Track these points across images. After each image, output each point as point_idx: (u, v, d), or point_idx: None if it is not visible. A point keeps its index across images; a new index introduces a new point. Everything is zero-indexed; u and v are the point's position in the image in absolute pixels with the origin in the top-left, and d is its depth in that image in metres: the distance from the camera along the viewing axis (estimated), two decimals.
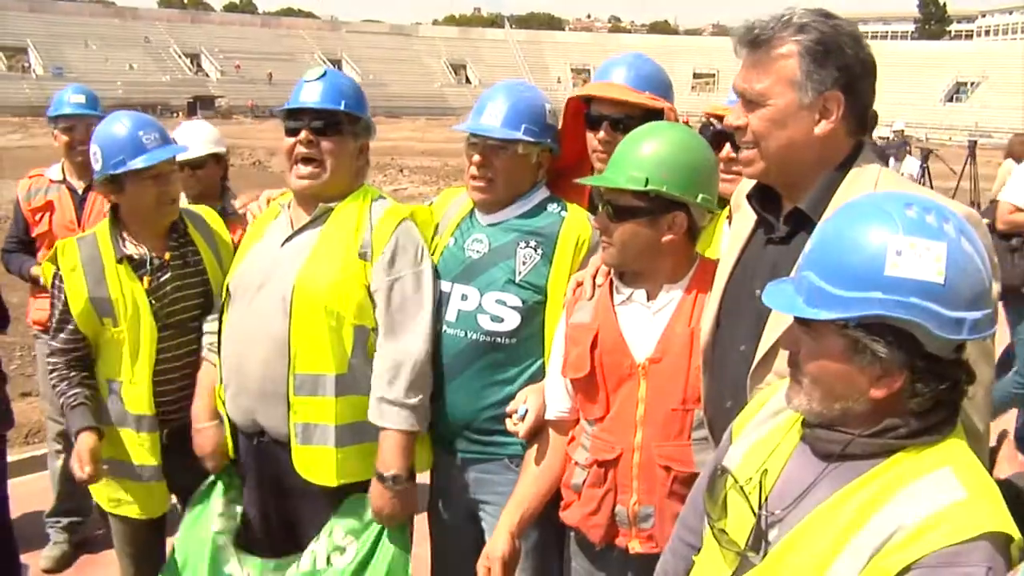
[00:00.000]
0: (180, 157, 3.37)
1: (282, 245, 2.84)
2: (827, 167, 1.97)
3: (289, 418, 2.75)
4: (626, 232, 2.31)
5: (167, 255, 3.12)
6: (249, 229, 3.05)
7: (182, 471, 3.09)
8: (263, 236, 2.92)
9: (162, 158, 3.02)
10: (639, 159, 2.28)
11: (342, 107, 2.78)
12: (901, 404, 1.45)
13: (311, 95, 2.79)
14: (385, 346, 2.72)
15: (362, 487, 2.78)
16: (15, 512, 4.68)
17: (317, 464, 2.76)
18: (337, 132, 2.78)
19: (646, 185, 2.25)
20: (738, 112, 1.99)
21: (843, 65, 1.92)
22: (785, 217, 2.02)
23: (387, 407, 2.68)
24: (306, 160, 2.77)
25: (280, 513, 2.94)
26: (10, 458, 5.32)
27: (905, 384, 1.42)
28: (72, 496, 4.56)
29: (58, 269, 3.06)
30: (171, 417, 3.11)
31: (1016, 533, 1.35)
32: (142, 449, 3.08)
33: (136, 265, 3.07)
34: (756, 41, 1.94)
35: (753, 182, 2.13)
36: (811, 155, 1.96)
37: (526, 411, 2.60)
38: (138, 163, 2.98)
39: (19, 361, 7.58)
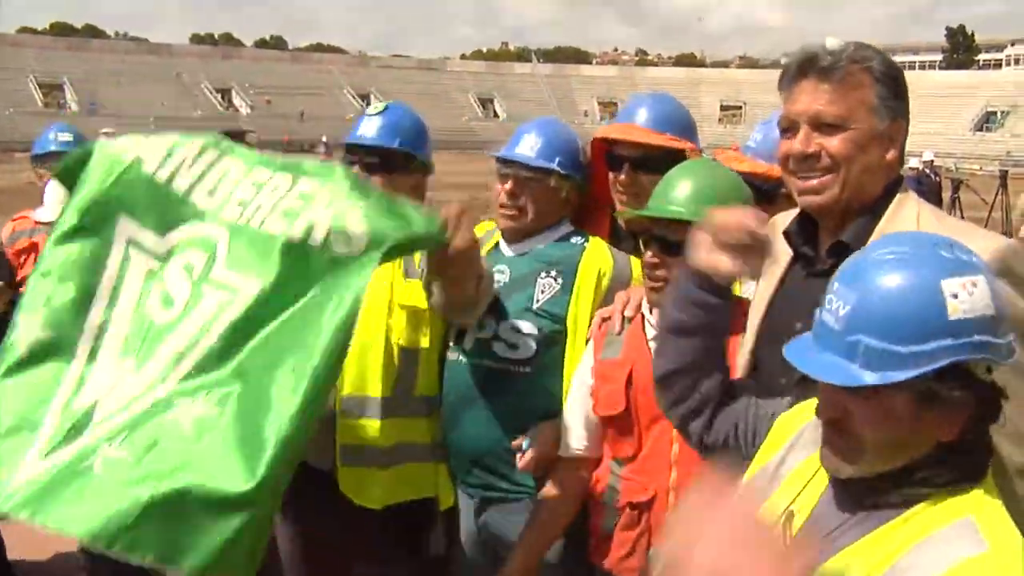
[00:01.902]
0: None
1: None
2: (876, 197, 1.96)
3: (335, 439, 2.73)
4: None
5: None
6: None
7: None
8: None
9: None
10: (696, 192, 2.25)
11: (397, 145, 2.80)
12: (960, 441, 1.41)
13: (368, 130, 2.83)
14: None
15: (409, 509, 2.76)
16: (48, 551, 4.73)
17: (362, 485, 2.74)
18: (390, 169, 2.80)
19: None
20: (807, 138, 1.93)
21: (904, 95, 1.94)
22: (828, 250, 2.00)
23: None
24: None
25: (320, 547, 2.92)
26: None
27: (968, 418, 1.39)
28: None
29: None
30: None
31: None
32: None
33: None
34: (830, 67, 1.90)
35: (787, 219, 2.11)
36: (880, 182, 1.95)
37: (529, 444, 2.58)
38: None
39: None
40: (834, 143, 1.90)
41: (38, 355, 2.01)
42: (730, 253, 1.79)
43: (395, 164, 2.82)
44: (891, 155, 1.94)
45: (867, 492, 1.46)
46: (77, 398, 1.96)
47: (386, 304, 2.72)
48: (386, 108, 2.90)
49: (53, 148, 4.57)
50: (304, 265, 1.97)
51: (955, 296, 1.35)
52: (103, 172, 2.15)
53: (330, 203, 2.03)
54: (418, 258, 2.72)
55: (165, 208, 2.13)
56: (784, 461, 1.67)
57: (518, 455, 2.61)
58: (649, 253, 2.33)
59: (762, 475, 1.70)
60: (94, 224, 2.12)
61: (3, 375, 2.00)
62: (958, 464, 1.42)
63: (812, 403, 1.73)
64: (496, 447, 2.70)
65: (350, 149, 2.86)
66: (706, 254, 1.81)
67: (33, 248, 4.37)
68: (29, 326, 2.03)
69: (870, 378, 1.37)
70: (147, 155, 2.16)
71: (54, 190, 3.64)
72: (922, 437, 1.41)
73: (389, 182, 2.78)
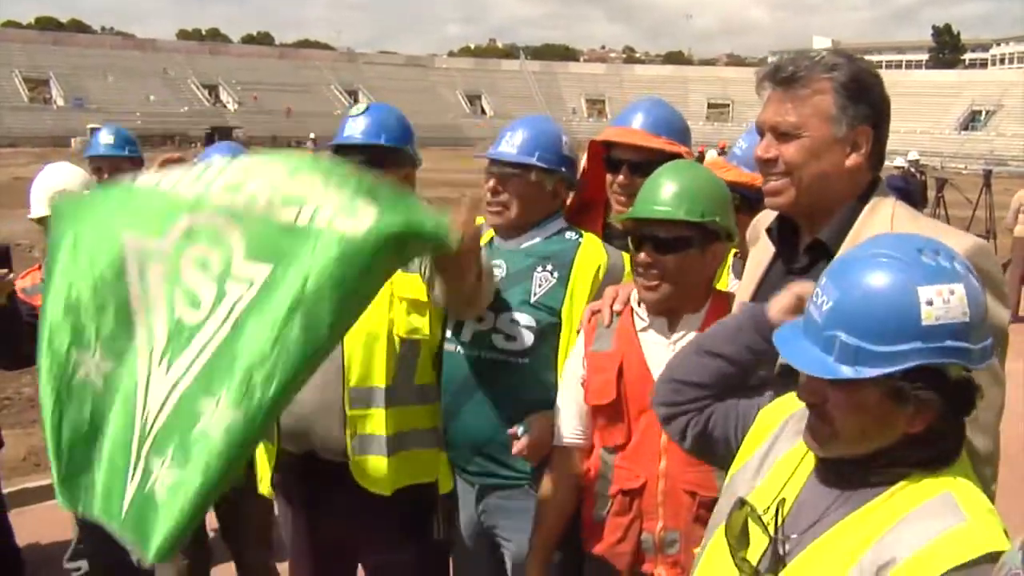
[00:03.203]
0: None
1: None
2: (849, 199, 2.04)
3: (346, 432, 2.80)
4: (679, 265, 2.34)
5: None
6: None
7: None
8: None
9: None
10: (685, 192, 2.34)
11: (383, 140, 2.90)
12: (928, 431, 1.48)
13: (354, 130, 2.93)
14: None
15: (412, 495, 2.84)
16: (40, 538, 4.73)
17: (372, 473, 2.81)
18: (378, 164, 2.85)
19: (703, 217, 2.31)
20: (767, 146, 2.05)
21: (872, 102, 2.01)
22: (805, 248, 2.09)
23: None
24: None
25: (329, 534, 2.99)
26: (43, 483, 5.42)
27: (936, 414, 1.47)
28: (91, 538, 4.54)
29: None
30: None
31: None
32: None
33: None
34: (791, 78, 2.01)
35: (771, 216, 2.19)
36: (839, 186, 2.03)
37: (526, 430, 2.63)
38: None
39: (30, 388, 7.61)
40: (788, 150, 2.01)
41: (112, 387, 2.07)
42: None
43: (383, 160, 2.90)
44: (852, 160, 2.01)
45: (849, 472, 1.55)
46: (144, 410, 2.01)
47: (387, 296, 2.77)
48: (368, 108, 2.99)
49: (99, 151, 4.73)
50: (311, 248, 1.92)
51: (930, 303, 1.42)
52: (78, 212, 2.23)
53: (327, 186, 2.01)
54: None
55: (157, 209, 2.12)
56: (770, 451, 1.75)
57: (514, 442, 2.66)
58: (643, 254, 2.39)
59: (749, 465, 1.76)
60: (103, 251, 2.14)
61: (92, 413, 2.09)
62: (927, 448, 1.50)
63: (793, 396, 1.79)
64: (495, 436, 2.76)
65: (338, 150, 2.93)
66: (781, 312, 1.84)
67: None
68: (90, 364, 2.10)
69: (846, 372, 1.46)
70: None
71: (39, 186, 3.69)
72: (889, 429, 1.49)
73: (380, 177, 2.82)
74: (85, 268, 2.15)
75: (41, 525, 4.91)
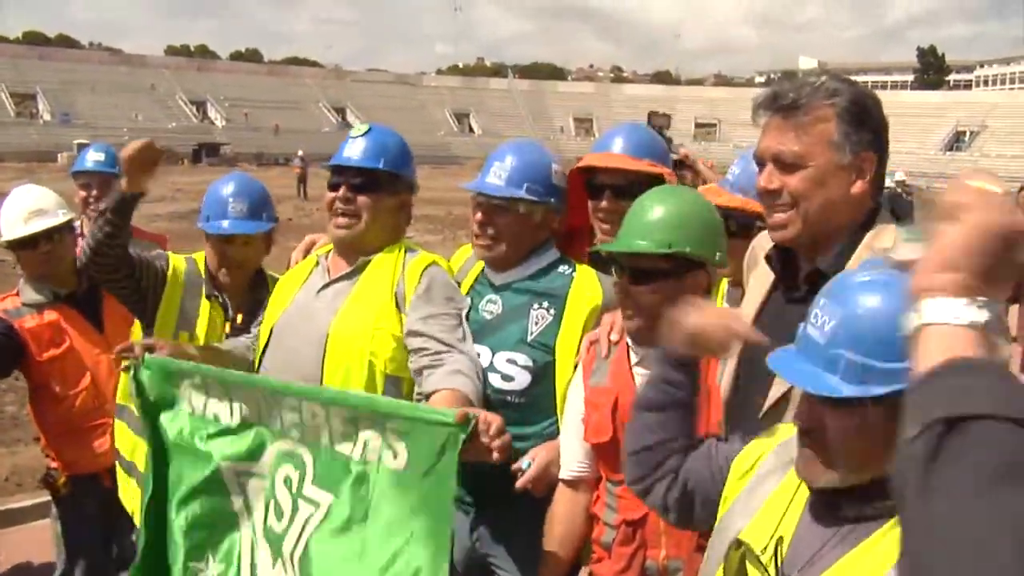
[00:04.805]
0: (36, 229, 3.62)
1: (318, 293, 2.87)
2: (852, 227, 2.01)
3: None
4: (652, 297, 2.29)
5: (239, 317, 3.36)
6: (285, 276, 3.11)
7: None
8: (303, 284, 2.95)
9: (230, 232, 3.32)
10: (657, 222, 2.29)
11: (381, 165, 2.83)
12: None
13: (353, 151, 2.85)
14: (444, 361, 2.60)
15: None
16: (24, 559, 4.67)
17: None
18: (375, 189, 2.82)
19: (670, 248, 2.25)
20: (769, 176, 2.01)
21: (874, 127, 1.99)
22: (805, 277, 2.05)
23: (462, 377, 2.55)
24: (344, 213, 2.83)
25: None
26: (26, 503, 5.34)
27: None
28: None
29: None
30: None
31: None
32: None
33: (223, 307, 3.38)
34: (792, 106, 1.97)
35: (770, 241, 2.15)
36: (845, 214, 2.00)
37: (529, 465, 2.60)
38: (209, 228, 3.32)
39: (13, 407, 7.51)
40: (793, 181, 1.98)
41: None
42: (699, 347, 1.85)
43: (380, 185, 2.83)
44: (858, 187, 1.99)
45: (845, 505, 1.50)
46: None
47: (371, 329, 2.71)
48: (369, 130, 2.91)
49: (85, 167, 4.77)
50: (369, 484, 2.25)
51: None
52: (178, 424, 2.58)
53: (372, 424, 2.25)
54: (410, 286, 2.75)
55: (248, 441, 2.48)
56: (757, 488, 1.70)
57: (518, 475, 2.61)
58: (616, 284, 2.39)
59: (737, 504, 1.72)
60: (199, 473, 2.53)
61: None
62: None
63: (774, 431, 1.76)
64: (492, 469, 2.71)
65: (336, 170, 2.86)
66: (680, 344, 1.86)
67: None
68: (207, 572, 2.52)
69: (847, 390, 1.43)
70: (213, 406, 2.54)
71: (11, 208, 3.69)
72: (890, 454, 1.43)
73: (375, 202, 2.82)
74: (185, 492, 2.56)
75: (25, 545, 4.85)
